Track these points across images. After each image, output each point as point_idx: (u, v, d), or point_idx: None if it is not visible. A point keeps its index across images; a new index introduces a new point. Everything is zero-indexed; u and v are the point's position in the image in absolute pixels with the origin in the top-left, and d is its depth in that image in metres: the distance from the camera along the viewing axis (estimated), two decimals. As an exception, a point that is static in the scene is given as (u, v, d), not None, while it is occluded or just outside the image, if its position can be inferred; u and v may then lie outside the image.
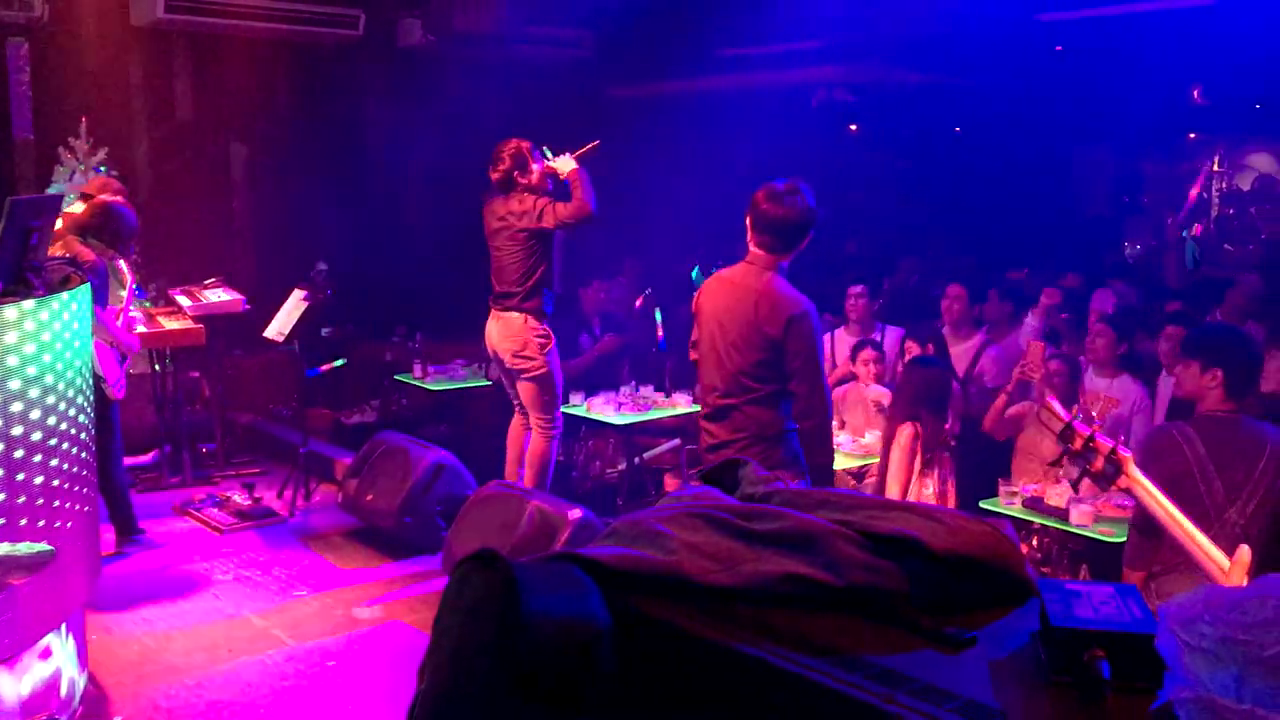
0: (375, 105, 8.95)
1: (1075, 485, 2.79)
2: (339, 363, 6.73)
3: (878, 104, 10.92)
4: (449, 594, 1.45)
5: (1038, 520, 4.92)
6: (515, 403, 6.06)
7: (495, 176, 5.74)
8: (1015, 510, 4.95)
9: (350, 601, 5.08)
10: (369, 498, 5.82)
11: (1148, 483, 2.36)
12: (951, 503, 4.99)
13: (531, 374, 5.78)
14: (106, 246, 5.33)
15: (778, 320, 3.66)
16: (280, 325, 6.40)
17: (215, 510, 6.29)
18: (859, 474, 6.01)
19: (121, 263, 5.56)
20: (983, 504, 5.07)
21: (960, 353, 6.65)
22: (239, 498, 6.42)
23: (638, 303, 7.78)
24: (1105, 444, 2.34)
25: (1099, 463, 2.34)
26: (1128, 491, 2.37)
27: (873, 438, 6.02)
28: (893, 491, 4.88)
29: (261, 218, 9.10)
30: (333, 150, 8.85)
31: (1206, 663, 0.75)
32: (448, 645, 1.36)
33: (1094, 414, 4.93)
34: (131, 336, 5.51)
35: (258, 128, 9.04)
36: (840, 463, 5.87)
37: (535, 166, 5.71)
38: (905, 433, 4.92)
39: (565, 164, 5.68)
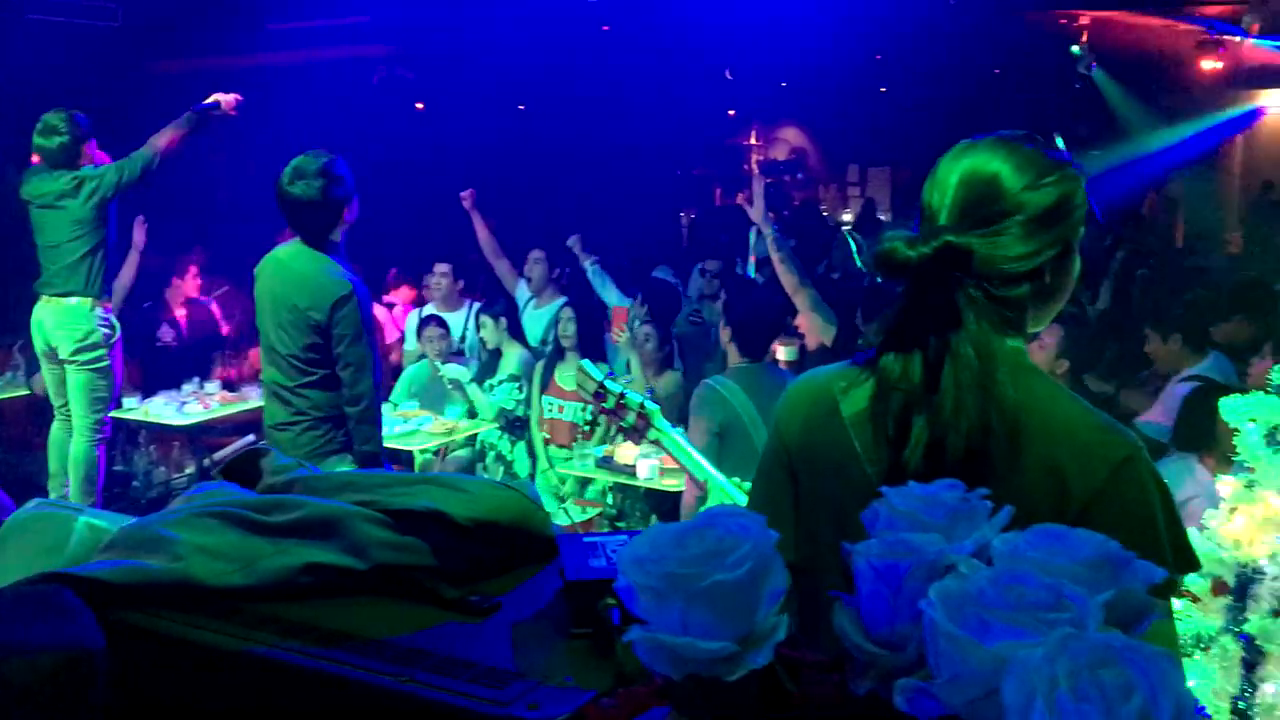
0: None
1: (607, 440, 2.95)
2: None
3: (441, 82, 10.91)
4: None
5: (610, 478, 5.16)
6: (59, 406, 5.48)
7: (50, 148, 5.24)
8: (588, 469, 5.16)
9: None
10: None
11: (671, 433, 2.52)
12: None
13: (90, 367, 5.27)
14: None
15: (323, 304, 3.56)
16: None
17: None
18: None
19: None
20: (558, 467, 5.23)
21: None
22: None
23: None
24: (635, 401, 2.48)
25: (630, 418, 2.47)
26: (656, 444, 2.52)
27: (455, 417, 6.06)
28: None
29: None
30: None
31: (655, 600, 0.78)
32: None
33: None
34: None
35: None
36: (426, 443, 5.86)
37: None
38: None
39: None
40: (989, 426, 1.47)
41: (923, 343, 1.51)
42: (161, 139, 5.33)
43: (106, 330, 5.33)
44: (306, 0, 8.30)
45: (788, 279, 4.56)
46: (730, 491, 2.46)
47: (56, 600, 1.26)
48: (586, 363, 2.55)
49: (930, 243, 1.48)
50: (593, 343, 6.19)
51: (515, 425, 6.31)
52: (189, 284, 7.63)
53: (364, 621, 1.32)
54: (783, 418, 1.73)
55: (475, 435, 6.37)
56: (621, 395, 2.50)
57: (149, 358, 6.98)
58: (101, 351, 5.30)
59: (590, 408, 2.52)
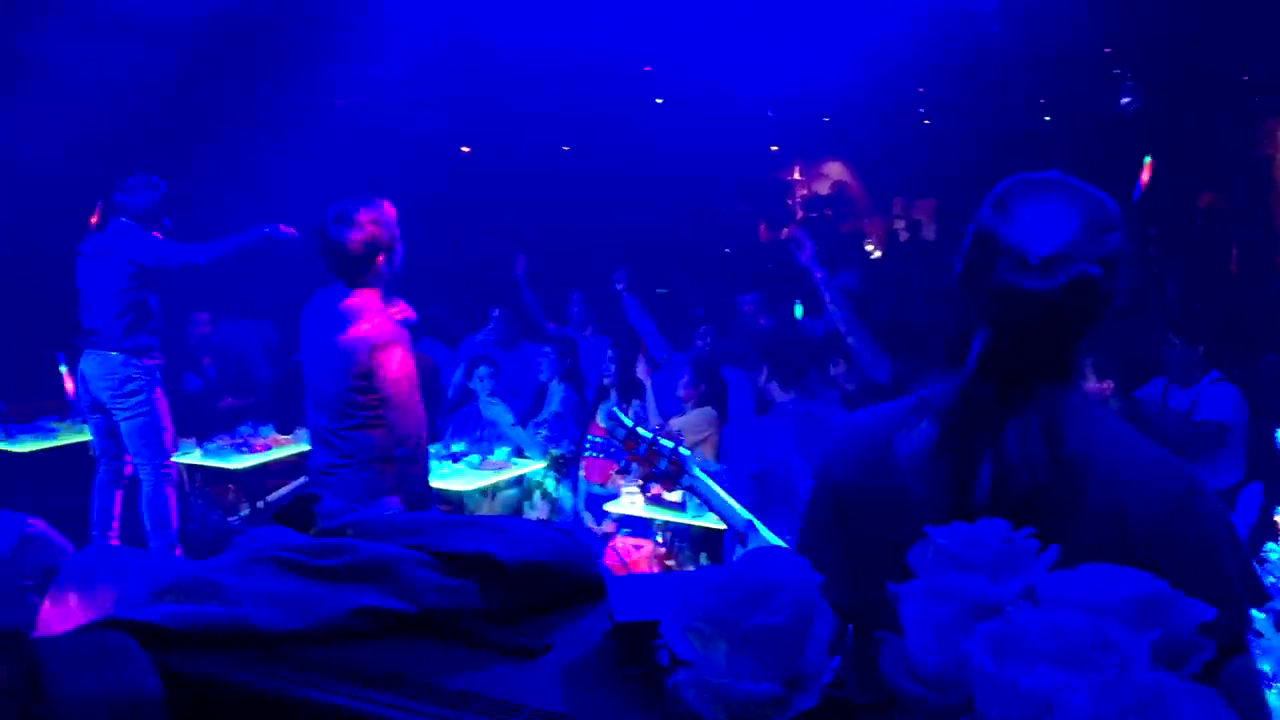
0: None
1: (643, 488, 2.95)
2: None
3: (486, 123, 11.05)
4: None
5: (659, 516, 5.16)
6: (102, 455, 5.63)
7: None
8: (638, 509, 5.16)
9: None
10: (-58, 583, 5.12)
11: (708, 479, 2.53)
12: None
13: (138, 414, 5.40)
14: None
15: (365, 347, 3.60)
16: None
17: None
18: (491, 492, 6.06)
19: None
20: (607, 506, 5.24)
21: None
22: None
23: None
24: (665, 448, 2.49)
25: (662, 465, 2.48)
26: (690, 490, 2.53)
27: (502, 457, 6.10)
28: None
29: None
30: None
31: (701, 643, 0.78)
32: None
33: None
34: None
35: None
36: (473, 483, 5.90)
37: None
38: None
39: None
40: (1054, 467, 1.45)
41: (991, 382, 1.50)
42: (223, 248, 5.53)
43: (146, 379, 5.45)
44: (353, 45, 8.45)
45: (839, 320, 4.48)
46: (772, 537, 2.45)
47: (116, 646, 1.29)
48: (617, 410, 2.57)
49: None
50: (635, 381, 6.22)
51: (561, 464, 6.34)
52: (202, 329, 7.74)
53: (415, 664, 1.34)
54: (831, 459, 1.71)
55: (522, 475, 6.40)
56: (653, 441, 2.50)
57: (175, 405, 7.10)
58: (143, 397, 5.42)
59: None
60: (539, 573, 1.47)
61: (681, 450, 2.50)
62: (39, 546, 5.64)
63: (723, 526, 4.87)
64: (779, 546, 0.96)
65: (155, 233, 5.53)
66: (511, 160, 11.52)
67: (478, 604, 1.44)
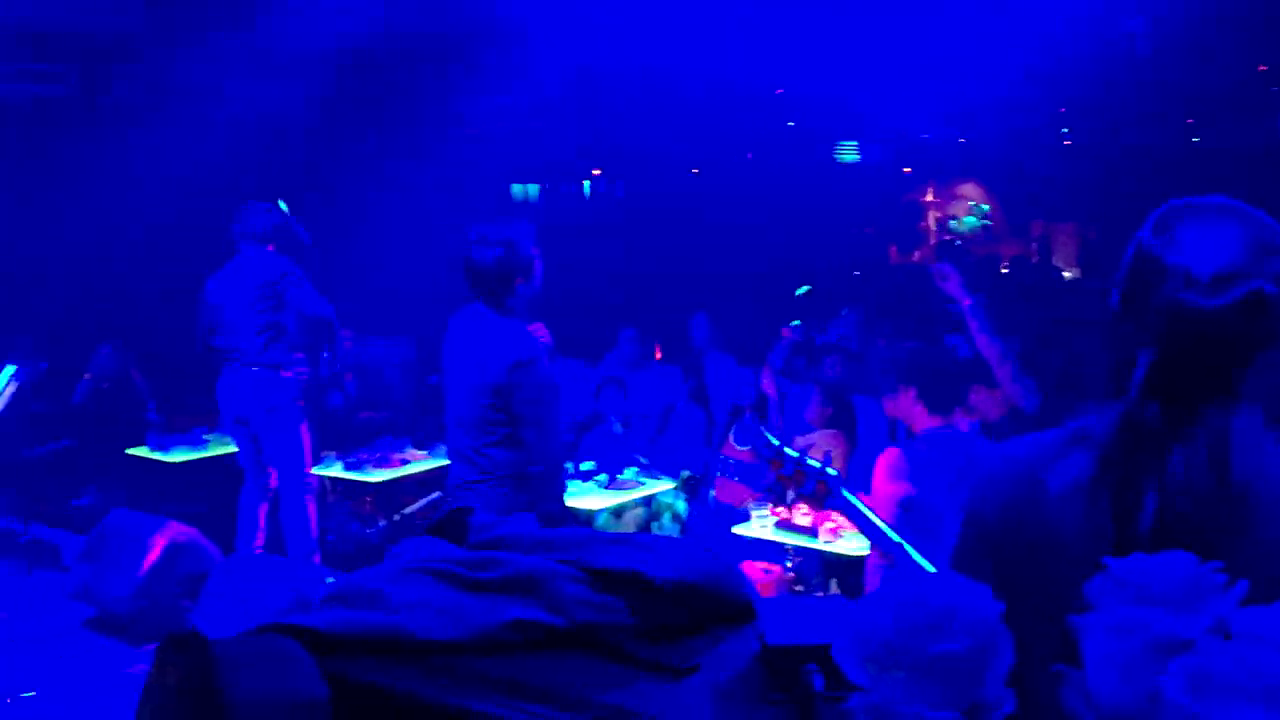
0: (93, 163, 8.42)
1: (788, 506, 2.93)
2: (62, 441, 6.26)
3: (616, 145, 11.19)
4: (150, 681, 1.35)
5: (789, 541, 5.11)
6: (248, 469, 5.86)
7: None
8: (767, 533, 5.12)
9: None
10: (102, 583, 5.39)
11: (857, 501, 2.49)
12: None
13: (281, 429, 5.62)
14: None
15: (503, 366, 3.66)
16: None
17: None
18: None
19: None
20: (736, 529, 5.22)
21: None
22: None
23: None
24: (813, 468, 2.46)
25: (808, 485, 2.45)
26: (836, 511, 2.50)
27: (631, 475, 6.13)
28: None
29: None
30: (49, 212, 8.25)
31: (876, 669, 0.77)
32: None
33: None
34: None
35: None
36: (601, 503, 5.94)
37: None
38: None
39: None
40: (1221, 495, 1.40)
41: (1156, 406, 1.45)
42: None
43: (286, 393, 5.66)
44: (489, 75, 8.68)
45: (989, 350, 4.34)
46: (923, 561, 2.40)
47: (284, 650, 1.34)
48: (767, 431, 2.56)
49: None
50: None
51: (692, 485, 6.34)
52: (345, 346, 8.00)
53: (567, 678, 1.35)
54: (979, 492, 1.68)
55: (651, 495, 6.42)
56: (800, 461, 2.48)
57: (319, 419, 7.34)
58: (283, 411, 5.62)
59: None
60: (689, 592, 1.47)
61: (829, 470, 2.47)
62: (190, 553, 5.89)
63: (855, 552, 4.82)
64: (957, 575, 0.94)
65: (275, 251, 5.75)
66: (641, 182, 11.64)
67: (627, 620, 1.45)
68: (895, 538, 2.47)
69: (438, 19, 8.15)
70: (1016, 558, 1.61)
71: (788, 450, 2.51)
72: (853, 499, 2.49)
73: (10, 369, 6.01)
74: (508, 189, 8.55)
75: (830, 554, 5.05)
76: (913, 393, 3.81)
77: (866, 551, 4.62)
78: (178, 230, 7.75)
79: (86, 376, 7.69)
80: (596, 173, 11.99)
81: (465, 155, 9.43)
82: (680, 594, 1.47)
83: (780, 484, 2.53)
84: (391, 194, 9.04)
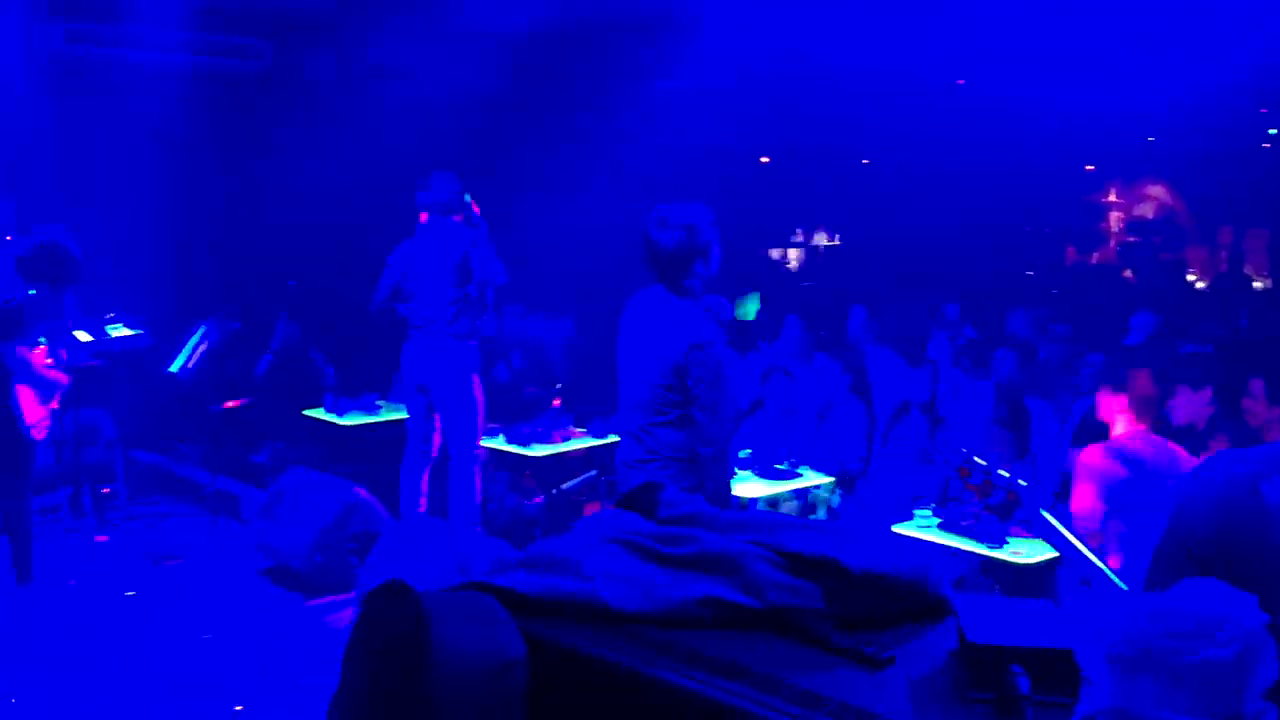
0: (282, 137, 8.82)
1: (976, 516, 2.85)
2: (245, 400, 6.59)
3: (787, 137, 11.09)
4: (359, 628, 1.40)
5: (952, 542, 4.98)
6: (417, 435, 6.04)
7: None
8: (931, 535, 5.00)
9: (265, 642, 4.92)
10: (279, 537, 5.66)
11: (1048, 515, 2.41)
12: None
13: (460, 398, 5.78)
14: (47, 282, 5.18)
15: (679, 348, 3.68)
16: (185, 360, 6.25)
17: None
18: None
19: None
20: (897, 528, 5.11)
21: None
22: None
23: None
24: (1002, 479, 2.39)
25: (997, 495, 2.38)
26: (1025, 524, 2.42)
27: (787, 466, 6.09)
28: None
29: (164, 247, 8.89)
30: (240, 183, 8.69)
31: (1127, 673, 0.75)
32: (359, 680, 1.31)
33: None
34: (58, 373, 5.32)
35: (160, 158, 8.83)
36: (757, 491, 5.92)
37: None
38: None
39: None
40: None
41: None
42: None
43: (468, 363, 5.81)
44: (669, 60, 8.71)
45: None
46: (1113, 578, 2.31)
47: (486, 608, 1.38)
48: (936, 434, 2.50)
49: None
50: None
51: (849, 480, 6.25)
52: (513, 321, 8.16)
53: (759, 658, 1.35)
54: (1189, 505, 1.62)
55: (806, 488, 6.35)
56: (989, 472, 2.41)
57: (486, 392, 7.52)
58: (464, 381, 5.77)
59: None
60: (883, 583, 1.45)
61: (1020, 482, 2.40)
62: (364, 513, 6.11)
63: (1023, 560, 4.67)
64: (1216, 581, 0.90)
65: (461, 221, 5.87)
66: (809, 170, 11.51)
67: (820, 606, 1.44)
68: (1088, 554, 2.38)
69: (618, 4, 8.23)
70: (1227, 567, 1.55)
71: (977, 459, 2.44)
72: (1044, 513, 2.41)
73: (202, 329, 6.36)
74: (673, 175, 8.55)
75: (995, 560, 4.90)
76: (1125, 397, 3.67)
77: (1035, 559, 4.49)
78: (360, 205, 8.04)
79: (269, 353, 8.07)
80: (764, 160, 11.91)
81: (633, 140, 9.51)
82: (875, 583, 1.45)
83: (970, 493, 2.46)
84: (558, 174, 9.18)
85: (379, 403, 7.42)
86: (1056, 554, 3.79)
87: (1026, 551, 4.58)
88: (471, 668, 1.26)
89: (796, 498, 6.53)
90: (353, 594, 5.54)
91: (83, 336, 6.48)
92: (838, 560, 1.44)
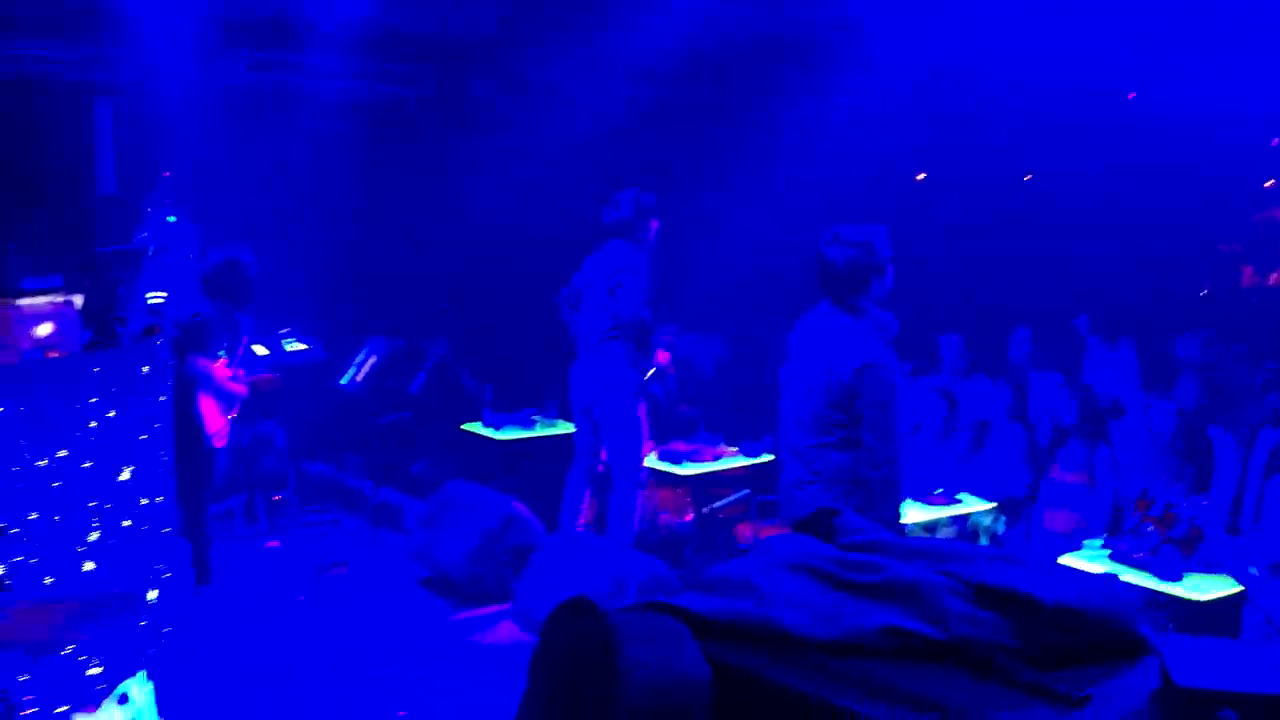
0: (446, 159, 9.10)
1: (1154, 550, 2.72)
2: (404, 413, 6.80)
3: (946, 152, 10.87)
4: (546, 641, 1.43)
5: (1129, 578, 4.77)
6: (581, 452, 6.08)
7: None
8: (1100, 566, 4.80)
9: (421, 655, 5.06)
10: (439, 547, 5.82)
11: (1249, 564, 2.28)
12: None
13: (623, 419, 5.82)
14: (227, 299, 5.46)
15: (848, 368, 3.62)
16: (354, 374, 6.49)
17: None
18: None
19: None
20: (1063, 559, 4.93)
21: None
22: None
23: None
24: (1185, 511, 2.28)
25: (1179, 530, 2.28)
26: (1211, 561, 2.30)
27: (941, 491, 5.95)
28: None
29: (335, 266, 9.27)
30: (407, 205, 8.99)
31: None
32: (545, 691, 1.33)
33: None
34: (239, 385, 5.57)
35: (332, 182, 9.23)
36: (914, 517, 5.78)
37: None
38: None
39: None
40: None
41: None
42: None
43: (632, 386, 5.84)
44: (831, 77, 8.64)
45: None
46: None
47: (672, 629, 1.39)
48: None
49: None
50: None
51: (1013, 508, 6.05)
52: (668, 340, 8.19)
53: (949, 693, 1.32)
54: None
55: (966, 515, 6.18)
56: (1171, 505, 2.31)
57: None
58: (628, 404, 5.79)
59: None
60: (1078, 619, 1.40)
61: (1202, 518, 2.29)
62: (520, 526, 6.23)
63: (1205, 596, 4.43)
64: None
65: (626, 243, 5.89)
66: (968, 186, 11.23)
67: (1010, 641, 1.39)
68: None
69: (777, 22, 8.21)
70: None
71: (1149, 492, 2.34)
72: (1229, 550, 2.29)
73: (369, 344, 6.61)
74: (828, 194, 8.47)
75: (1169, 595, 4.67)
76: None
77: (1212, 596, 4.26)
78: (524, 226, 8.21)
79: (422, 371, 8.32)
80: (921, 176, 11.68)
81: (786, 159, 9.47)
82: (1068, 620, 1.40)
83: (1144, 524, 2.36)
84: (711, 194, 9.19)
85: (535, 418, 7.56)
86: (1239, 589, 3.61)
87: (1204, 587, 4.35)
88: (659, 688, 1.27)
89: (954, 524, 6.37)
90: (508, 605, 5.68)
91: (260, 350, 6.82)
92: (1031, 594, 1.40)
